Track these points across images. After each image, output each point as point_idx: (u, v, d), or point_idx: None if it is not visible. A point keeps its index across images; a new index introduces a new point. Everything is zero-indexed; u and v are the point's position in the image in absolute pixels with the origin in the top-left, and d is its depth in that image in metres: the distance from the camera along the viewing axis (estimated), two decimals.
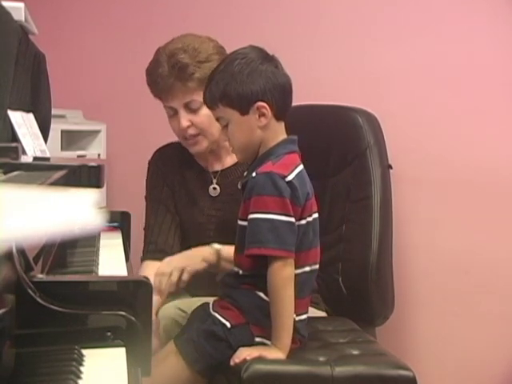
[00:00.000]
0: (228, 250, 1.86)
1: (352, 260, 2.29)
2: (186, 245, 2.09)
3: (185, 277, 1.87)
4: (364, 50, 2.68)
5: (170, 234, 2.12)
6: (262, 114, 1.68)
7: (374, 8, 2.68)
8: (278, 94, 1.69)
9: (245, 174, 1.74)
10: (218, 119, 1.76)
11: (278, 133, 1.72)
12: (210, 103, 1.74)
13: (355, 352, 1.80)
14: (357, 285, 2.27)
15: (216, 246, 1.95)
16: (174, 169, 2.17)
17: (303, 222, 1.67)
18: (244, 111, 1.69)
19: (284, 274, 1.60)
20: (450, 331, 2.63)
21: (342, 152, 2.38)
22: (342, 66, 2.70)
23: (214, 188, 2.13)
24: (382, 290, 2.32)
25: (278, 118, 1.71)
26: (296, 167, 1.68)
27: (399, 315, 2.53)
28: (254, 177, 1.64)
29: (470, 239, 2.59)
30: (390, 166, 2.40)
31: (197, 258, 1.93)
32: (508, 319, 2.56)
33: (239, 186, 1.75)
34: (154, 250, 2.10)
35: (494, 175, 2.55)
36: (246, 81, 1.67)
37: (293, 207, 1.62)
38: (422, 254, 2.64)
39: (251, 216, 1.62)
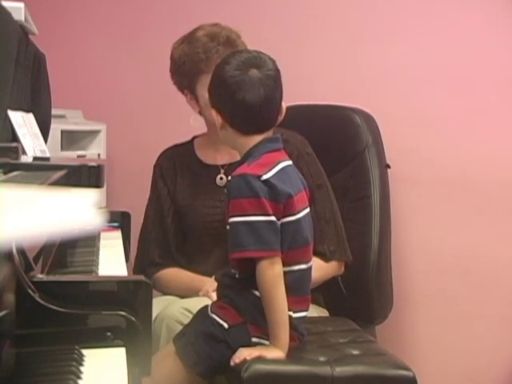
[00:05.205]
0: None
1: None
2: (191, 242, 2.08)
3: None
4: (362, 49, 2.67)
5: (166, 242, 2.10)
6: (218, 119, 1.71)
7: (372, 7, 2.68)
8: (233, 107, 1.67)
9: (229, 178, 1.75)
10: None
11: (248, 142, 1.69)
12: None
13: (355, 352, 1.80)
14: (356, 284, 2.27)
15: None
16: (178, 165, 2.13)
17: (292, 218, 1.64)
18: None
19: (271, 273, 1.59)
20: (449, 331, 2.63)
21: (340, 152, 2.38)
22: (340, 65, 2.70)
23: (221, 178, 2.07)
24: (381, 289, 2.32)
25: (242, 132, 1.69)
26: (275, 165, 1.65)
27: (399, 315, 2.53)
28: (230, 180, 1.65)
29: (470, 239, 2.58)
30: (388, 166, 2.41)
31: None
32: (508, 319, 2.56)
33: (226, 191, 1.74)
34: (154, 261, 2.09)
35: (493, 175, 2.55)
36: (212, 84, 1.73)
37: (272, 205, 1.60)
38: (421, 253, 2.64)
39: (230, 220, 1.62)
